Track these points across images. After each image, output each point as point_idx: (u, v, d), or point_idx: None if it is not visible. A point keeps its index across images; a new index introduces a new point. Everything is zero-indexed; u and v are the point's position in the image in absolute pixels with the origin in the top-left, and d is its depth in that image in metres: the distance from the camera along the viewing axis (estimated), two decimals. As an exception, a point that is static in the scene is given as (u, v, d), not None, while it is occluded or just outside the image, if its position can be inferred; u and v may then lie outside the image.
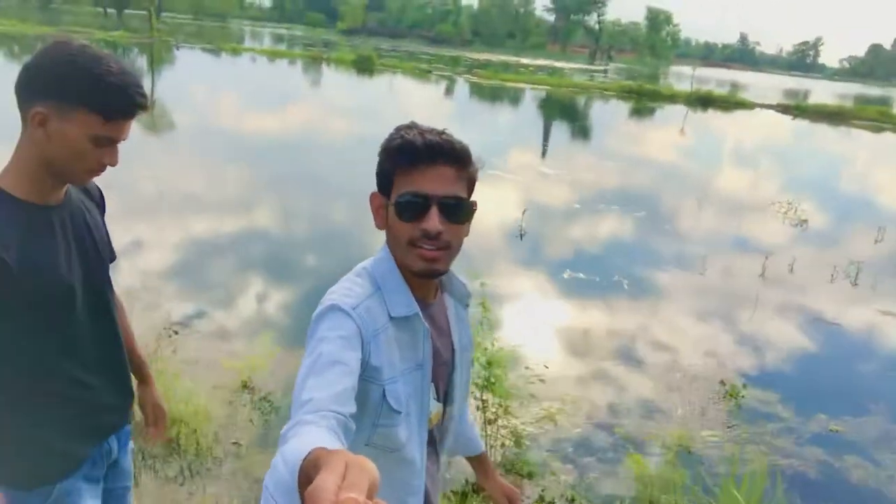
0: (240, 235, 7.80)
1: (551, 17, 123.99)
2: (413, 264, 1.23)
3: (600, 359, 5.37)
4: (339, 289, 1.25)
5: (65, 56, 1.36)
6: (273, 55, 40.29)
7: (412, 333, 1.27)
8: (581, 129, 23.13)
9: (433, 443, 1.40)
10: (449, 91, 31.24)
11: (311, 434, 0.89)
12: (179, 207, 8.60)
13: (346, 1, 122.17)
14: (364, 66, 35.45)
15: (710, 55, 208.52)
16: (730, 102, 35.01)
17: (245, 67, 31.80)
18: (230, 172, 10.84)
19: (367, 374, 1.18)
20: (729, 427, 4.45)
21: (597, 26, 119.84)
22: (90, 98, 1.35)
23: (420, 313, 1.26)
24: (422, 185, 1.20)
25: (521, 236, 8.65)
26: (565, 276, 7.33)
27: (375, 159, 1.29)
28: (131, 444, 1.84)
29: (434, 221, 1.19)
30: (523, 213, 9.00)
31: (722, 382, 5.07)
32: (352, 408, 1.03)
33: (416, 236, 1.21)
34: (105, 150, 1.42)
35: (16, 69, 1.44)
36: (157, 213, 8.09)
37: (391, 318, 1.23)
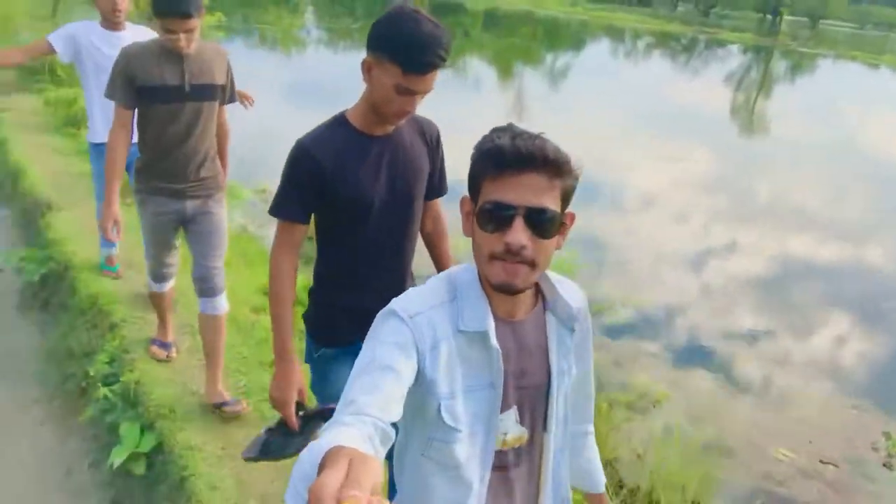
0: (839, 264, 7.06)
1: None
2: (491, 277, 1.14)
3: None
4: (412, 293, 1.23)
5: (391, 16, 1.62)
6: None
7: (484, 350, 1.18)
8: None
9: (507, 468, 1.28)
10: None
11: (342, 434, 0.89)
12: (784, 220, 8.27)
13: None
14: None
15: None
16: None
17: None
18: (851, 195, 9.80)
19: (423, 385, 1.14)
20: None
21: None
22: (395, 51, 1.58)
23: (491, 331, 1.17)
24: (507, 195, 1.10)
25: None
26: None
27: None
28: None
29: (517, 235, 1.09)
30: None
31: None
32: (394, 416, 1.02)
33: (498, 250, 1.11)
34: (405, 98, 1.64)
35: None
36: (761, 220, 7.98)
37: (460, 330, 1.17)
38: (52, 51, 3.44)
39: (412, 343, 1.13)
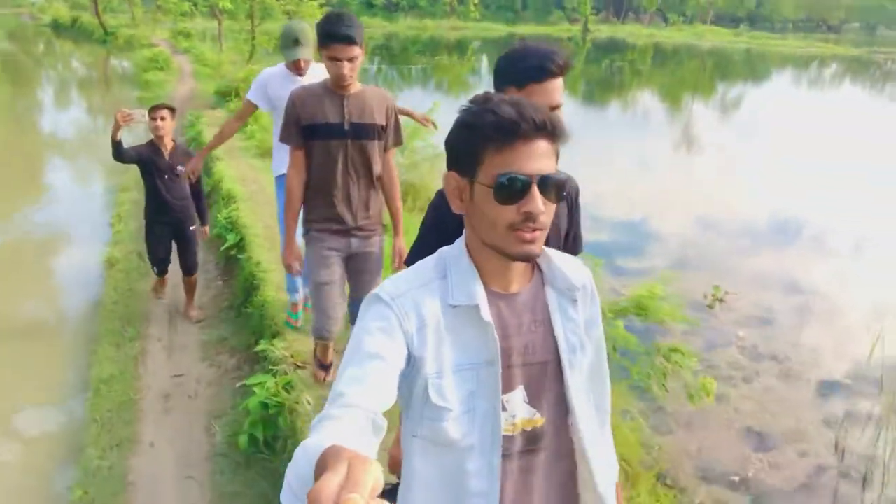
0: None
1: None
2: (511, 248, 1.12)
3: None
4: (399, 275, 1.19)
5: (508, 51, 1.64)
6: None
7: (478, 325, 1.14)
8: None
9: (524, 454, 1.21)
10: None
11: (334, 430, 0.89)
12: None
13: None
14: None
15: None
16: None
17: None
18: None
19: (413, 364, 1.12)
20: None
21: None
22: (510, 71, 1.58)
23: (482, 304, 1.13)
24: (521, 166, 1.08)
25: None
26: None
27: None
28: None
29: (538, 203, 1.08)
30: None
31: None
32: (384, 403, 1.00)
33: (517, 220, 1.09)
34: None
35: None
36: None
37: (450, 305, 1.14)
38: (255, 107, 3.65)
39: (397, 326, 1.10)
